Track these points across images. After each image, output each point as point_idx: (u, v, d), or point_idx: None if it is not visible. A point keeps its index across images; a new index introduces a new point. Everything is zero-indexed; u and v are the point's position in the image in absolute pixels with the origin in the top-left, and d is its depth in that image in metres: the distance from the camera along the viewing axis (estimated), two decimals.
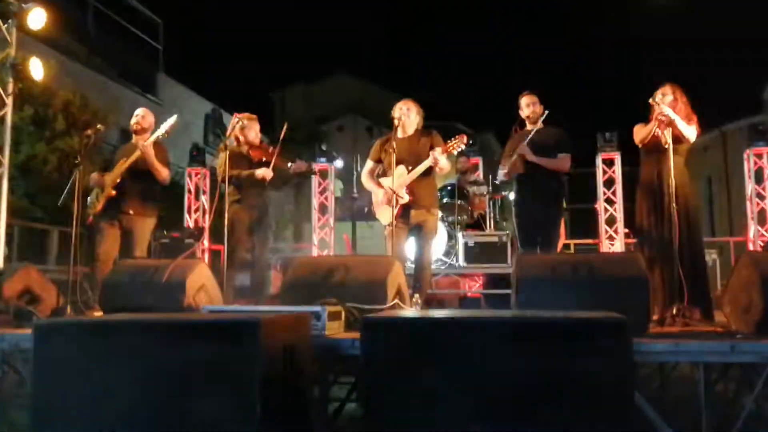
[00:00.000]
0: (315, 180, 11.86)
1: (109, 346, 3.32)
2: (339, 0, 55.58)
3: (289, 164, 7.00)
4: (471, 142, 6.81)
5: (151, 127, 7.14)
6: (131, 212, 6.88)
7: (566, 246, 11.87)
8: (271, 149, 7.03)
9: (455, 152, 6.41)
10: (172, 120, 6.87)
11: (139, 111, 7.29)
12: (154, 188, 7.08)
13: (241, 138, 6.99)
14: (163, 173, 7.01)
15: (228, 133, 6.81)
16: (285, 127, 7.15)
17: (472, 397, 3.12)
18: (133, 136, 7.19)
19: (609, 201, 11.00)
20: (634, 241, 7.71)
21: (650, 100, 5.96)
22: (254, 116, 7.17)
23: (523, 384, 3.09)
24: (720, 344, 3.85)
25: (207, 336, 3.29)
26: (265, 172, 6.88)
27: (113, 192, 6.84)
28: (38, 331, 3.42)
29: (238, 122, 6.82)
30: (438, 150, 6.22)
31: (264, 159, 6.94)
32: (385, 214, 6.38)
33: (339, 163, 13.06)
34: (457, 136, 6.33)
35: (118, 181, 6.87)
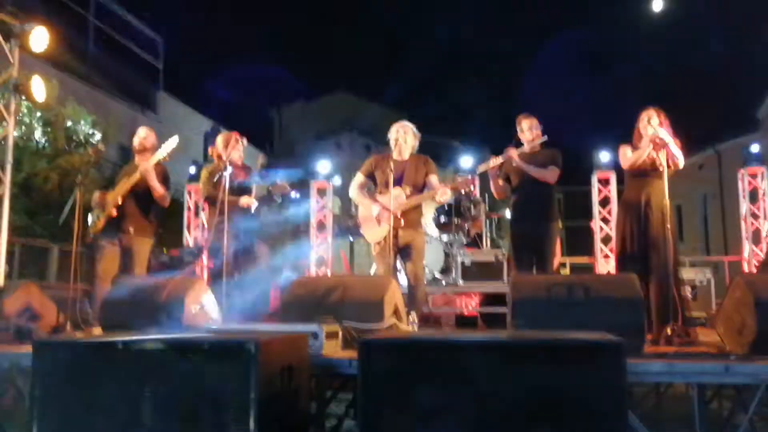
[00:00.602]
0: (313, 198, 11.88)
1: (107, 366, 3.33)
2: (338, 17, 55.68)
3: (269, 186, 7.07)
4: (474, 187, 6.90)
5: (154, 147, 7.15)
6: (131, 231, 6.90)
7: (562, 264, 11.90)
8: (246, 168, 7.06)
9: (462, 191, 6.48)
10: (173, 142, 6.89)
11: (141, 131, 7.30)
12: (153, 209, 7.11)
13: (224, 157, 6.87)
14: (162, 194, 7.03)
15: (228, 152, 6.79)
16: (260, 160, 7.18)
17: (468, 418, 3.13)
18: (136, 156, 7.22)
19: (605, 220, 11.02)
20: None
21: (641, 125, 6.00)
22: (240, 137, 7.15)
23: (519, 405, 3.11)
24: (714, 365, 3.86)
25: (206, 356, 3.29)
26: (249, 201, 6.89)
27: (114, 212, 6.86)
28: (38, 350, 3.43)
29: (237, 141, 6.85)
30: (435, 179, 6.36)
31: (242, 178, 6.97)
32: (372, 232, 6.41)
33: (337, 181, 13.07)
34: (468, 177, 6.43)
35: (120, 201, 6.89)
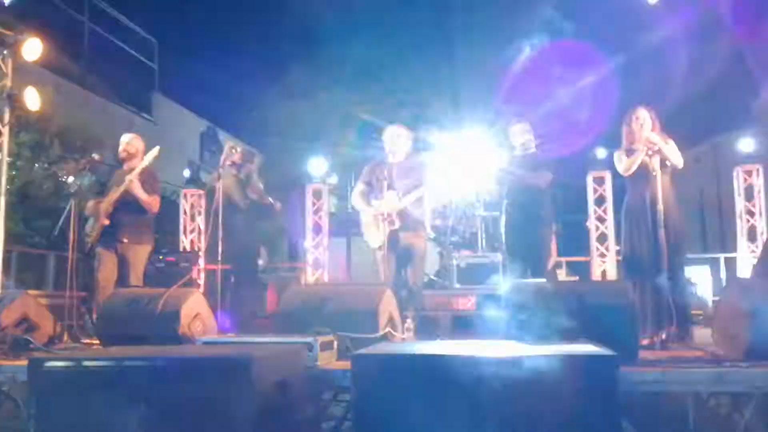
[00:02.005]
0: (309, 199, 11.80)
1: (102, 383, 3.34)
2: (331, 14, 55.44)
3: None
4: None
5: (139, 152, 7.14)
6: (125, 240, 6.91)
7: (558, 264, 11.87)
8: (259, 187, 7.23)
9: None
10: (154, 152, 6.86)
11: (125, 138, 7.28)
12: (146, 216, 7.09)
13: (244, 170, 7.15)
14: (150, 203, 7.02)
15: (222, 161, 6.85)
16: (257, 159, 7.31)
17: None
18: (124, 163, 7.21)
19: (600, 219, 10.98)
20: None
21: (632, 125, 5.96)
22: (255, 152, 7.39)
23: (511, 418, 3.12)
24: (708, 373, 3.89)
25: (200, 373, 3.30)
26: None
27: (107, 221, 6.87)
28: (33, 367, 3.44)
29: (232, 150, 6.90)
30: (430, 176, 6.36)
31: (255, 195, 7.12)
32: (373, 237, 6.43)
33: (333, 180, 13.00)
34: None
35: (111, 210, 6.89)
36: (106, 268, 6.94)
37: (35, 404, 3.40)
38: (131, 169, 6.99)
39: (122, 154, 7.18)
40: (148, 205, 6.98)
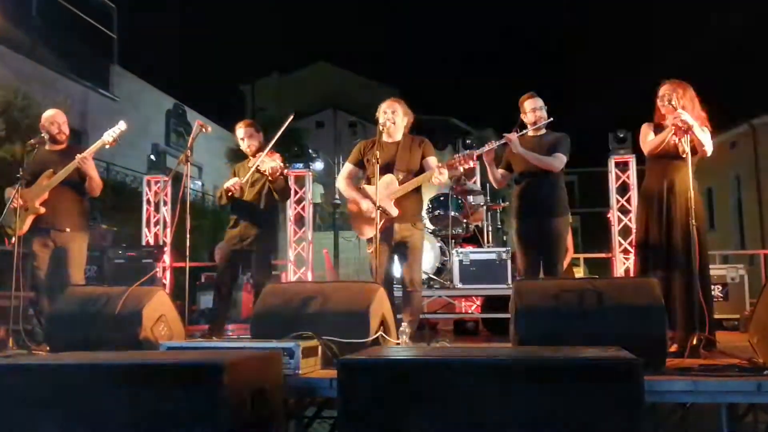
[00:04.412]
0: (291, 187, 11.69)
1: (53, 393, 3.32)
2: None
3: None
4: (476, 160, 6.78)
5: (65, 128, 7.14)
6: (68, 229, 6.85)
7: (575, 261, 11.83)
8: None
9: (460, 169, 6.35)
10: (122, 126, 6.80)
11: (60, 117, 7.14)
12: (86, 201, 7.09)
13: (248, 150, 7.06)
14: (101, 185, 7.05)
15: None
16: (291, 117, 7.07)
17: None
18: (49, 143, 7.04)
19: (623, 210, 10.89)
20: None
21: (662, 103, 5.94)
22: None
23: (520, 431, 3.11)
24: (744, 383, 3.87)
25: (166, 381, 3.28)
26: (232, 184, 6.90)
27: (43, 209, 6.76)
28: None
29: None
30: (433, 161, 6.27)
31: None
32: (364, 228, 6.34)
33: (319, 165, 12.87)
34: (466, 153, 6.30)
35: (47, 196, 6.78)
36: (47, 264, 6.87)
37: None
38: (61, 150, 7.00)
39: (61, 137, 7.08)
40: (98, 185, 7.00)
